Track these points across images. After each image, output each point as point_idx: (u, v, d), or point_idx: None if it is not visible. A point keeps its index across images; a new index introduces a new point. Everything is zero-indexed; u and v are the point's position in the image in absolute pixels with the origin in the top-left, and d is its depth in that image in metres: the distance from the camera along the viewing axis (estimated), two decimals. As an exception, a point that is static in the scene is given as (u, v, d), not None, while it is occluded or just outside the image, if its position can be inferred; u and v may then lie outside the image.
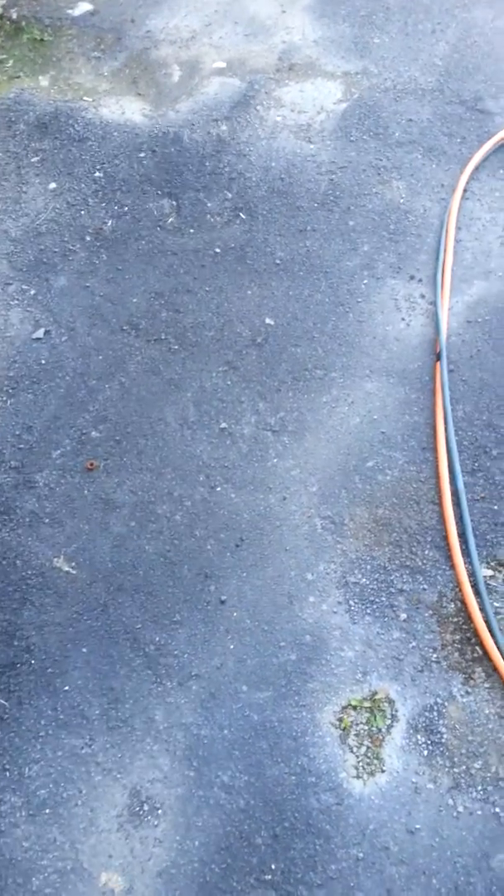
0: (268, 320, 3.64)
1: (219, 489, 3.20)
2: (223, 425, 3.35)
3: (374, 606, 2.96)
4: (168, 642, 2.88)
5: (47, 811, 2.59)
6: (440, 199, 4.04)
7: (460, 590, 2.98)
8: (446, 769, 2.66)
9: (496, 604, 2.95)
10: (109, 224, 3.97)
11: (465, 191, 4.04)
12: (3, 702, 2.76)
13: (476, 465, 3.24)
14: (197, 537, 3.10)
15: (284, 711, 2.76)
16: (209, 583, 3.00)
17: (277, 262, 3.82)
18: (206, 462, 3.26)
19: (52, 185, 4.11)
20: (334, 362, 3.52)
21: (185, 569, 3.03)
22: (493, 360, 3.50)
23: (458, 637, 2.90)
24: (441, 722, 2.74)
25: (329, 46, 4.70)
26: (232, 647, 2.88)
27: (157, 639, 2.89)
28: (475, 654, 2.86)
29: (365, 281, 3.76)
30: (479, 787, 2.63)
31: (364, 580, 3.01)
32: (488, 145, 4.16)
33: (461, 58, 4.61)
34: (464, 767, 2.66)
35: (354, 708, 2.77)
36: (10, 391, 3.44)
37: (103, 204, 4.04)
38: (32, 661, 2.84)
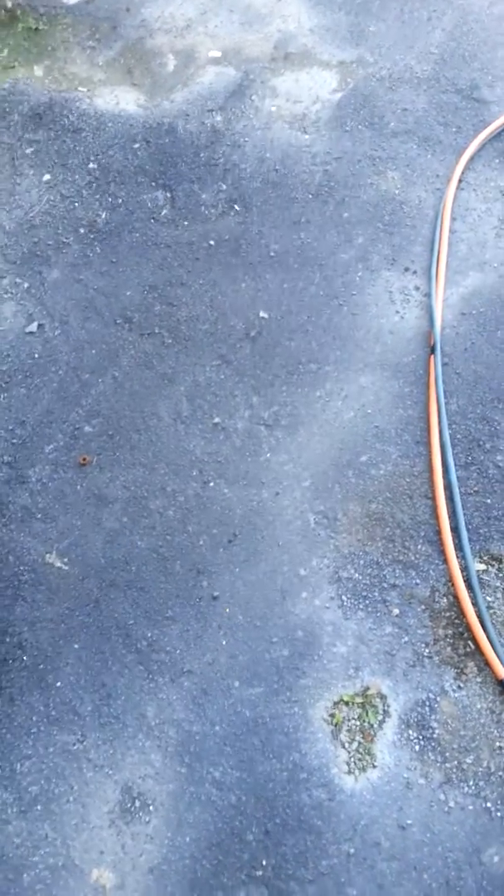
0: (262, 313, 3.62)
1: (212, 484, 3.19)
2: (216, 420, 3.34)
3: (367, 602, 2.95)
4: (160, 638, 2.89)
5: (39, 807, 2.60)
6: (435, 189, 4.01)
7: (453, 584, 2.97)
8: (438, 764, 2.67)
9: (489, 598, 2.94)
10: (103, 216, 3.94)
11: (460, 181, 4.01)
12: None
13: (469, 458, 3.23)
14: (189, 533, 3.09)
15: (276, 707, 2.76)
16: (202, 578, 3.00)
17: (272, 254, 3.80)
18: (199, 457, 3.26)
19: (47, 177, 4.09)
20: (328, 356, 3.50)
21: (177, 564, 3.03)
22: (488, 353, 3.48)
23: (450, 632, 2.90)
24: (433, 717, 2.75)
25: (325, 35, 4.66)
26: (224, 642, 2.88)
27: (150, 635, 2.89)
28: (467, 649, 2.86)
29: (359, 273, 3.73)
30: (471, 782, 2.63)
31: (357, 575, 3.00)
32: (484, 134, 4.12)
33: (457, 45, 4.57)
34: (455, 762, 2.67)
35: (346, 703, 2.77)
36: (3, 385, 3.43)
37: (97, 196, 4.02)
38: (24, 658, 2.84)
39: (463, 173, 4.04)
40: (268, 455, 3.26)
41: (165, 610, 2.94)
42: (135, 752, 2.69)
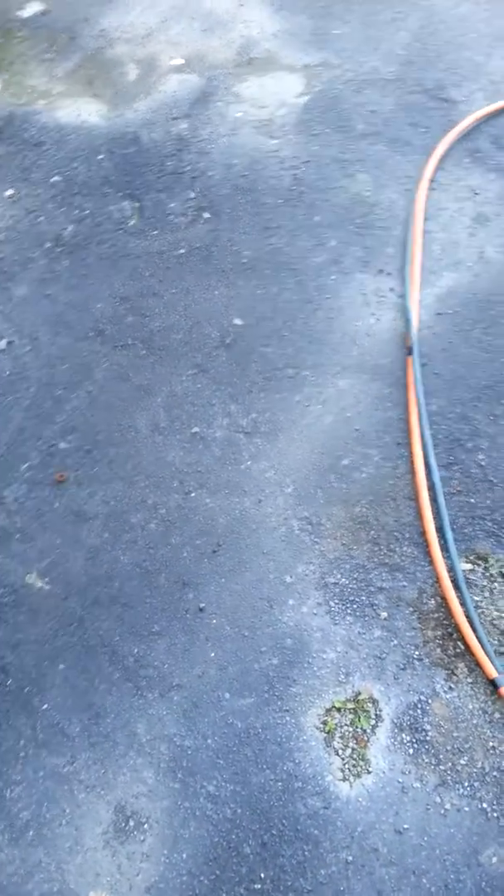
0: (236, 321, 3.60)
1: (193, 495, 3.16)
2: (195, 430, 3.31)
3: (355, 606, 2.93)
4: (147, 653, 2.85)
5: (31, 833, 2.55)
6: (406, 190, 4.01)
7: (440, 585, 2.96)
8: (432, 767, 2.64)
9: (476, 598, 2.93)
10: (70, 229, 3.91)
11: (431, 181, 4.01)
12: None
13: (451, 458, 3.22)
14: (173, 545, 3.06)
15: (268, 717, 2.73)
16: (187, 591, 2.97)
17: (244, 260, 3.78)
18: (179, 468, 3.23)
19: (9, 192, 4.05)
20: (305, 360, 3.49)
21: (161, 578, 2.99)
22: (465, 352, 3.48)
23: (439, 633, 2.88)
24: (425, 719, 2.73)
25: (288, 39, 4.65)
26: (212, 654, 2.85)
27: (136, 650, 2.85)
28: (457, 650, 2.84)
29: (333, 277, 3.72)
30: (466, 784, 2.61)
31: (343, 580, 2.98)
32: (453, 134, 4.13)
33: (423, 46, 4.58)
34: (450, 764, 2.65)
35: (338, 710, 2.75)
36: (-23, 404, 3.39)
37: (62, 209, 3.98)
38: (9, 682, 2.80)
39: (434, 173, 4.04)
40: (248, 463, 3.23)
41: (151, 624, 2.90)
42: (127, 771, 2.65)
